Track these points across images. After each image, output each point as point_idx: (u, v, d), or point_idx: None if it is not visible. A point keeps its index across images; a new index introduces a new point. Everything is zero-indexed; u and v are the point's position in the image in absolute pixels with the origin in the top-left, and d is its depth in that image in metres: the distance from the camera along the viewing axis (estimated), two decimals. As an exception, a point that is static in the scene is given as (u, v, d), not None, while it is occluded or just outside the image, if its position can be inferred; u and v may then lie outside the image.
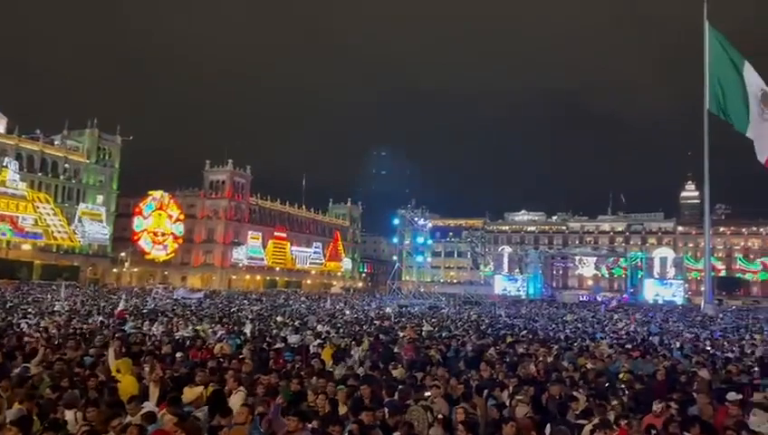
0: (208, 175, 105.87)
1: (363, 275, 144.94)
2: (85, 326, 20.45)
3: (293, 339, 18.55)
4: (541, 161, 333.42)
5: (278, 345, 16.14)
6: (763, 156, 35.81)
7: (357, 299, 66.51)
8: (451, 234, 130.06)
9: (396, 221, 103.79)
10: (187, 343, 15.97)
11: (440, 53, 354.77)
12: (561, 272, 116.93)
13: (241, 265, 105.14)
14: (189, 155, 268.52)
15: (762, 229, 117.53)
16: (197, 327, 20.96)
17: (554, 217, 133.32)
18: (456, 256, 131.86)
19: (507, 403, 9.48)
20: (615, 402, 9.35)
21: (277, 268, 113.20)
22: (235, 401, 8.78)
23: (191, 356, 13.53)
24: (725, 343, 23.88)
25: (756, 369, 14.01)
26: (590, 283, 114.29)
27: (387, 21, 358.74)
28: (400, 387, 9.96)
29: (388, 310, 43.01)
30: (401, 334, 21.22)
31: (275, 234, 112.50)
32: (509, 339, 21.13)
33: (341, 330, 22.90)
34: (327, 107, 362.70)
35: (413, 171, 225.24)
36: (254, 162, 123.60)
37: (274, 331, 21.29)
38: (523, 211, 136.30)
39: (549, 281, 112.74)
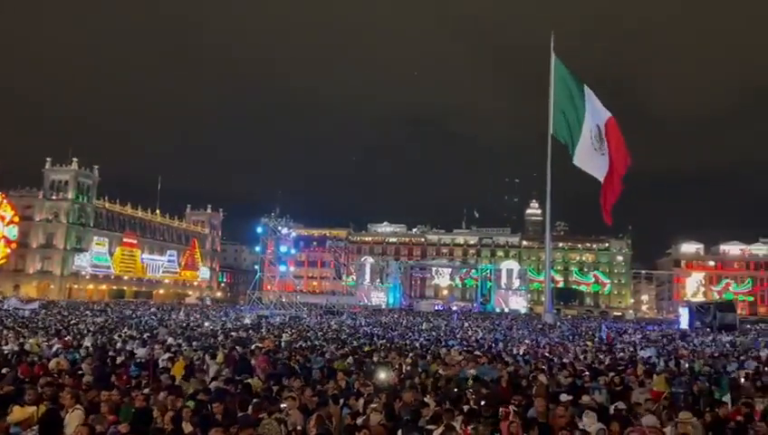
0: (49, 174, 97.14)
1: (223, 284, 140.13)
2: None
3: (140, 352, 17.43)
4: (404, 177, 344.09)
5: (121, 359, 15.06)
6: (601, 177, 40.06)
7: (214, 310, 64.08)
8: (315, 243, 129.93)
9: (259, 230, 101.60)
10: (15, 357, 14.47)
11: (311, 64, 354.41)
12: (419, 282, 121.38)
13: (84, 272, 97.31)
14: (29, 152, 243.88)
15: (594, 245, 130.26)
16: (30, 340, 19.08)
17: (414, 230, 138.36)
18: (319, 265, 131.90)
19: (361, 411, 9.57)
20: (464, 407, 9.80)
21: (125, 277, 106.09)
22: (72, 420, 8.08)
23: (21, 372, 12.28)
24: (562, 349, 25.99)
25: (587, 373, 15.30)
26: (445, 292, 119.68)
27: (265, 32, 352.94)
28: (255, 400, 9.70)
29: (246, 320, 41.88)
30: (259, 345, 20.72)
31: (124, 240, 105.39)
32: (367, 348, 21.45)
33: (195, 342, 21.88)
34: (194, 108, 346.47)
35: (278, 180, 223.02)
36: (105, 163, 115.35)
37: (119, 344, 19.88)
38: (385, 223, 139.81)
39: (408, 291, 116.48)
